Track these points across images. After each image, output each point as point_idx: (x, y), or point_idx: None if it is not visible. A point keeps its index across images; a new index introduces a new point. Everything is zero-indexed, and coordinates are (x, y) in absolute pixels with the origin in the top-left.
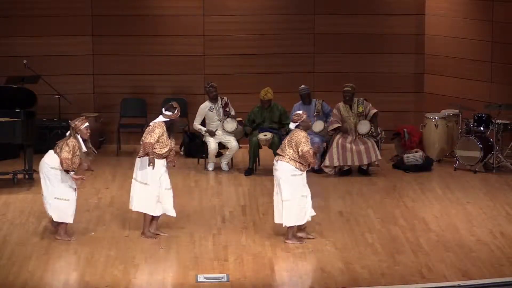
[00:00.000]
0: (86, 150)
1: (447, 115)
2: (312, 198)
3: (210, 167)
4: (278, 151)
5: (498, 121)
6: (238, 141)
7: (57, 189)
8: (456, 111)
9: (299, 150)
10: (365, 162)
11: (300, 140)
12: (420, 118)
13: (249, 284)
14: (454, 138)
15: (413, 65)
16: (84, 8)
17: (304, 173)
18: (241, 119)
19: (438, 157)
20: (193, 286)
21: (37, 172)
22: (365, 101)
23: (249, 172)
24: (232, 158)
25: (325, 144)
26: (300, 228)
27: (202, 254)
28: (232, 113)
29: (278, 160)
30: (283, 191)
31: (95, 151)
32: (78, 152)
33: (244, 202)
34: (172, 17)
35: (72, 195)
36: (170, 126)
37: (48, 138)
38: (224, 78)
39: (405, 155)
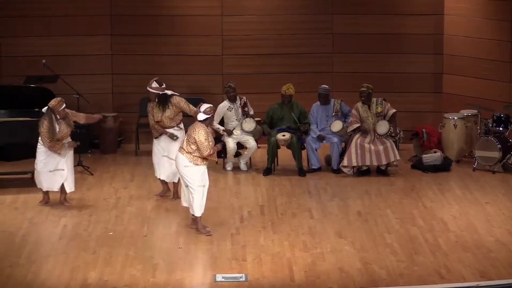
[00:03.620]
0: (58, 129)
1: (466, 115)
2: (332, 198)
3: (229, 167)
4: (182, 142)
5: None
6: (256, 141)
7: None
8: (475, 111)
9: (200, 152)
10: (384, 162)
11: (200, 140)
12: (438, 118)
13: (267, 284)
14: (473, 139)
15: (431, 65)
16: (103, 8)
17: (202, 166)
18: (260, 119)
19: (456, 157)
20: (211, 285)
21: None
22: (383, 101)
23: (267, 172)
24: (250, 158)
25: (343, 144)
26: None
27: (221, 254)
28: (251, 113)
29: (178, 151)
30: (182, 180)
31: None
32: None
33: (262, 202)
34: (190, 16)
35: (37, 166)
36: (160, 99)
37: None
38: (242, 78)
39: (424, 155)
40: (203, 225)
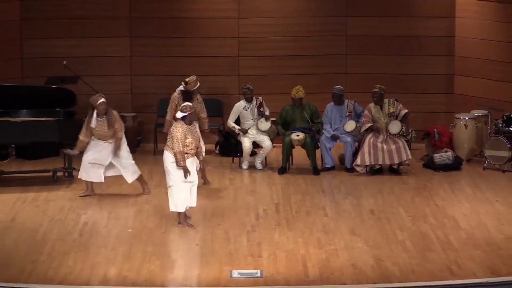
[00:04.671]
0: (94, 125)
1: (476, 115)
2: (345, 196)
3: (245, 165)
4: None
5: None
6: (271, 140)
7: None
8: (485, 111)
9: (173, 146)
10: (396, 161)
11: (175, 135)
12: (450, 119)
13: (282, 280)
14: (483, 138)
15: (443, 67)
16: (123, 10)
17: (189, 160)
18: (275, 119)
19: (467, 156)
20: (227, 281)
21: (76, 170)
22: (395, 101)
23: (282, 170)
24: (266, 157)
25: (357, 144)
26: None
27: (237, 250)
28: (267, 113)
29: (164, 149)
30: (167, 178)
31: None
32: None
33: (277, 200)
34: (208, 19)
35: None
36: (186, 96)
37: None
38: (258, 79)
39: (435, 155)
40: (185, 220)
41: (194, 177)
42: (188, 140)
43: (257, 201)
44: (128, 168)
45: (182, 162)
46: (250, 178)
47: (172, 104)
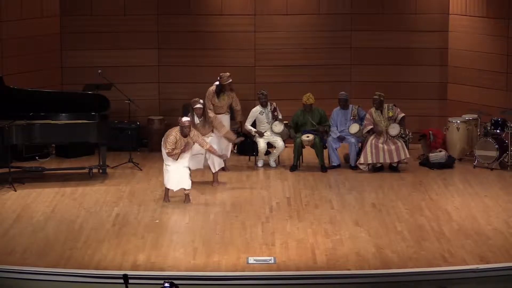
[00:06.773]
0: (198, 122)
1: (467, 119)
2: (350, 191)
3: (260, 163)
4: None
5: None
6: (284, 141)
7: None
8: (476, 116)
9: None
10: (395, 160)
11: (166, 138)
12: (443, 122)
13: (293, 266)
14: (474, 139)
15: (437, 76)
16: (151, 26)
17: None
18: (287, 122)
19: (459, 156)
20: (244, 267)
21: (109, 167)
22: (394, 106)
23: (293, 168)
24: (279, 156)
25: (360, 144)
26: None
27: (253, 239)
28: (280, 117)
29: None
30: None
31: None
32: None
33: (289, 194)
34: (227, 33)
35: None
36: (219, 89)
37: (119, 138)
38: (272, 86)
39: (430, 154)
40: (168, 197)
41: (183, 163)
42: (174, 147)
43: (271, 195)
44: (215, 159)
45: (174, 157)
46: (264, 174)
47: (208, 98)
